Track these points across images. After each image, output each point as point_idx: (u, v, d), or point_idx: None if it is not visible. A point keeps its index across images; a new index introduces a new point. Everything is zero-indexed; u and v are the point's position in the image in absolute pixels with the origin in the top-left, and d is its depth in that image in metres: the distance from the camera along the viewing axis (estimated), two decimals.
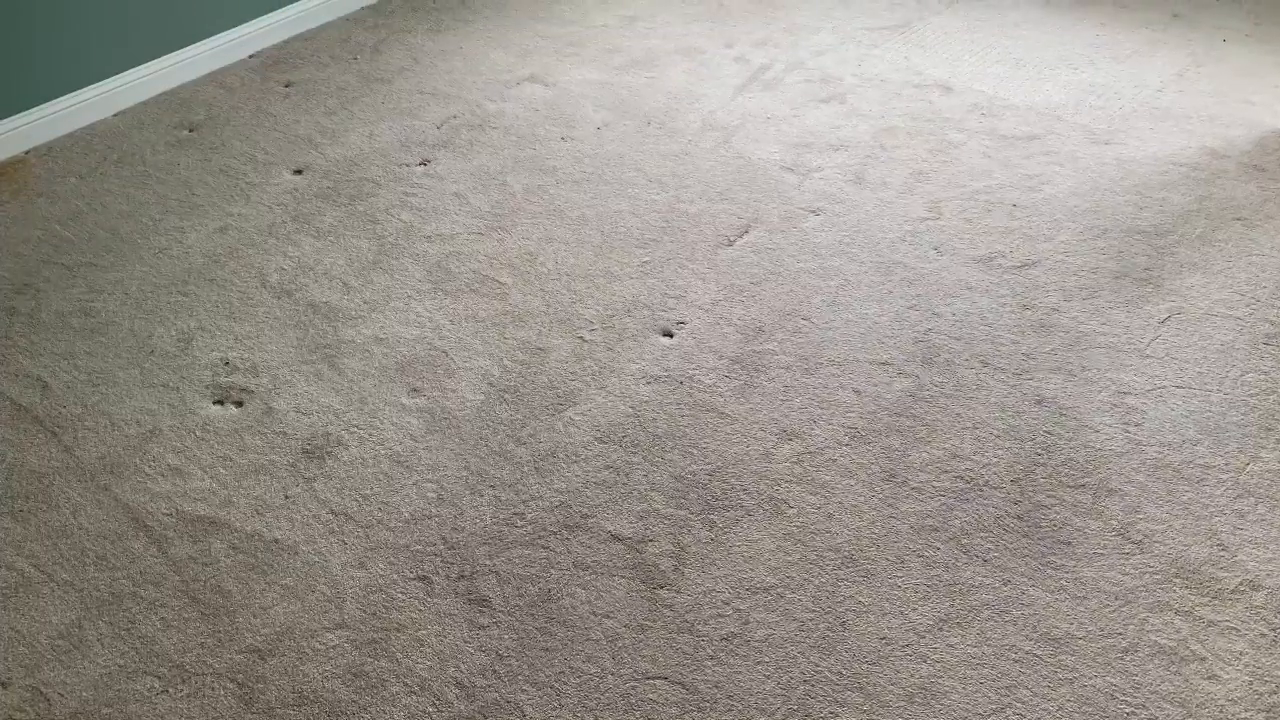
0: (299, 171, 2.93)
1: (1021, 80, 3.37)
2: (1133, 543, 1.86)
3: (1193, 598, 1.76)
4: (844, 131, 3.09)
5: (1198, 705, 1.61)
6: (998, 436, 2.07)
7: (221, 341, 2.35)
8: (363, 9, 3.94)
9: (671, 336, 2.34)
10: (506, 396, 2.19)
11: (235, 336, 2.36)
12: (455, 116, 3.20)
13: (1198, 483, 1.97)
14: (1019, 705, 1.61)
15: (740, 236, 2.64)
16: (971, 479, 1.99)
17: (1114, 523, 1.89)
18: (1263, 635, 1.70)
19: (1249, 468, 2.00)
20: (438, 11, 3.93)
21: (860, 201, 2.77)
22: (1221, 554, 1.83)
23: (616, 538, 1.89)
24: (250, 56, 3.58)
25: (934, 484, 1.98)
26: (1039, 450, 2.04)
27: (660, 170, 2.91)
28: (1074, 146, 2.98)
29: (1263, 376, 2.20)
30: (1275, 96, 3.22)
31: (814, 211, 2.74)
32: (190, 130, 3.16)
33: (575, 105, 3.26)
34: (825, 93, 3.31)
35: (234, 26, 3.52)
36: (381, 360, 2.28)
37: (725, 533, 1.89)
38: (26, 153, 3.04)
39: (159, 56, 3.32)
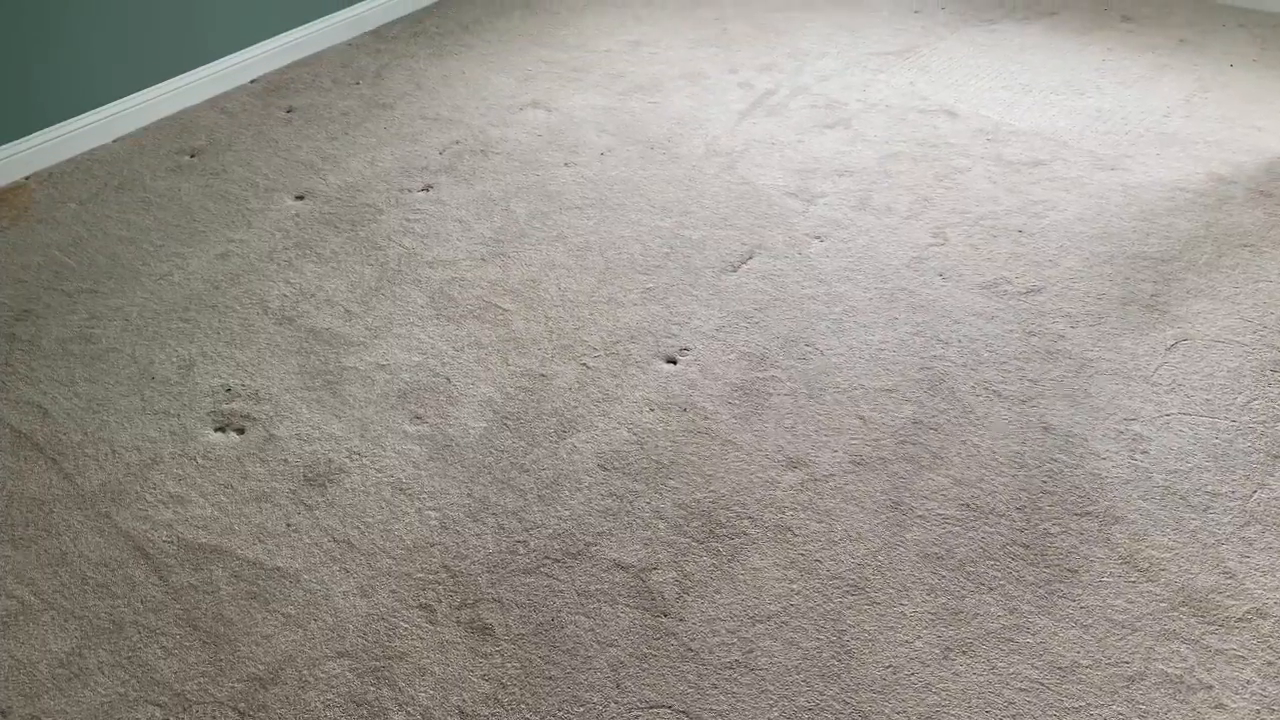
0: (301, 197, 2.99)
1: (1027, 106, 3.43)
2: (1139, 570, 1.89)
3: (1199, 626, 1.79)
4: (849, 157, 3.15)
5: None
6: (1003, 464, 2.11)
7: (223, 368, 2.39)
8: (364, 34, 4.02)
9: (675, 363, 2.38)
10: (509, 423, 2.23)
11: (237, 363, 2.40)
12: (458, 142, 3.26)
13: (1204, 510, 2.00)
14: None
15: (744, 262, 2.70)
16: (977, 506, 2.02)
17: (1120, 550, 1.93)
18: (1270, 664, 1.74)
19: (1256, 495, 2.03)
20: (440, 36, 4.01)
21: (865, 227, 2.82)
22: (1228, 582, 1.87)
23: (620, 565, 1.92)
24: (251, 81, 3.65)
25: (939, 511, 2.01)
26: (1045, 477, 2.08)
27: (664, 196, 2.97)
28: (1080, 172, 3.03)
29: (1270, 404, 2.24)
30: None
31: (818, 237, 2.79)
32: (191, 156, 3.22)
33: (578, 130, 3.32)
34: (830, 118, 3.37)
35: (234, 51, 3.59)
36: (384, 387, 2.33)
37: (729, 560, 1.93)
38: (27, 178, 3.11)
39: (160, 82, 3.39)
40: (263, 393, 2.33)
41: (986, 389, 2.29)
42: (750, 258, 2.71)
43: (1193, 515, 1.99)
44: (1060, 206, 2.88)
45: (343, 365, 2.39)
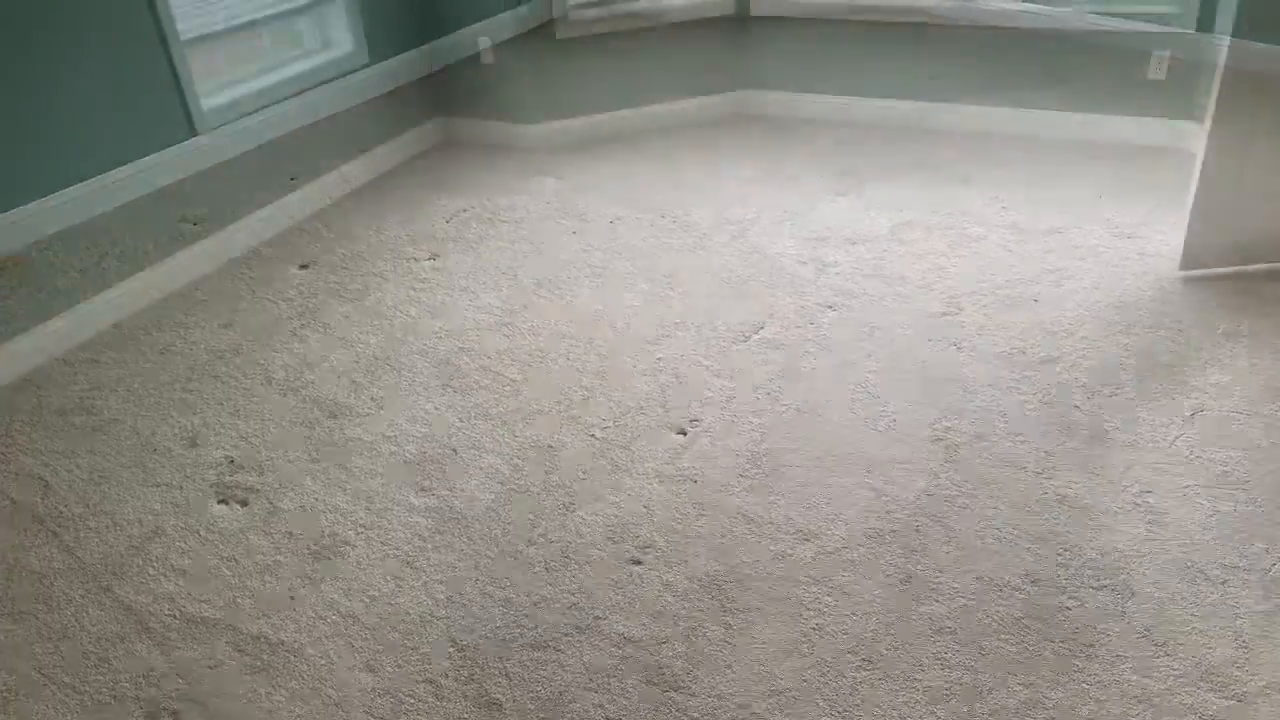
0: (305, 266, 3.15)
1: (1042, 173, 3.58)
2: (1156, 645, 1.98)
3: (1217, 701, 1.88)
4: (861, 225, 3.30)
5: None
6: (1018, 536, 2.21)
7: (226, 439, 2.52)
8: (373, 99, 4.22)
9: (685, 434, 2.50)
10: (517, 495, 2.34)
11: (240, 434, 2.53)
12: (465, 210, 3.43)
13: (1222, 584, 2.09)
14: None
15: (755, 332, 2.83)
16: (991, 580, 2.12)
17: (1137, 624, 2.02)
18: None
19: (1275, 569, 2.13)
20: (309, 253, 4.08)
21: (878, 296, 2.96)
22: (1246, 656, 1.95)
23: (629, 639, 2.02)
24: (258, 148, 3.84)
25: (953, 585, 2.11)
26: (1060, 550, 2.18)
27: (674, 264, 3.12)
28: (1097, 240, 3.18)
29: (1227, 517, 2.28)
30: (1162, 243, 3.37)
31: (830, 307, 2.92)
32: (195, 225, 3.39)
33: (587, 199, 3.49)
34: (842, 185, 3.53)
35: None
36: (389, 459, 2.45)
37: (740, 634, 2.02)
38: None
39: (158, 150, 3.53)
40: (267, 464, 2.45)
41: (1001, 460, 2.40)
42: (761, 327, 2.85)
43: (1210, 589, 2.08)
44: (1077, 275, 3.02)
45: (348, 436, 2.51)
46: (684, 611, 2.07)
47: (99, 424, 2.58)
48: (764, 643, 2.00)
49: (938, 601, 2.07)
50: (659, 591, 2.11)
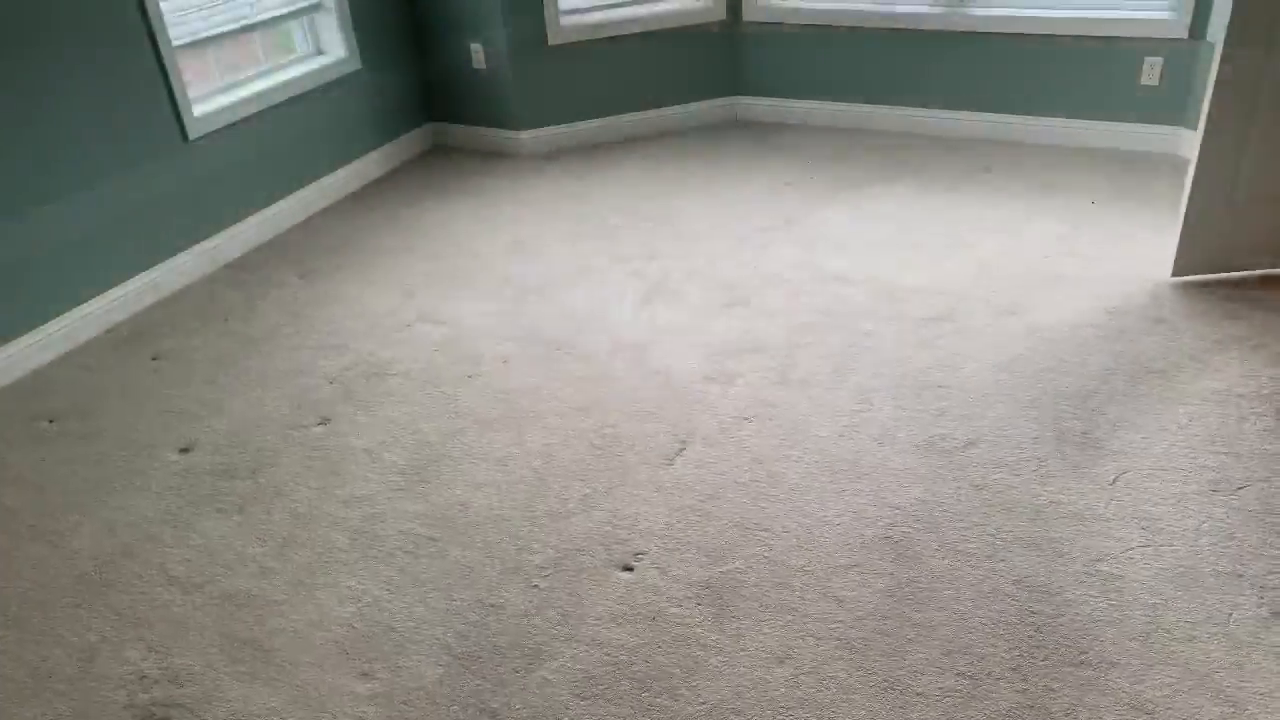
0: (186, 450, 2.96)
1: (917, 263, 3.72)
2: (1145, 713, 1.98)
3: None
4: (757, 334, 3.33)
5: None
6: (987, 624, 2.20)
7: (132, 653, 2.30)
8: (224, 266, 4.07)
9: (632, 570, 2.42)
10: (468, 664, 2.21)
11: (147, 644, 2.31)
12: (349, 368, 3.30)
13: (1190, 641, 2.13)
14: None
15: (679, 454, 2.79)
16: (973, 674, 2.10)
17: (1123, 695, 2.02)
18: None
19: (1234, 616, 2.18)
20: (306, 259, 4.10)
21: (791, 402, 2.97)
22: (1232, 710, 1.97)
23: None
24: (108, 331, 3.64)
25: (937, 685, 2.07)
26: (1031, 632, 2.18)
27: (580, 396, 3.06)
28: (984, 321, 3.29)
29: (1219, 523, 2.42)
30: (1154, 249, 3.66)
31: (746, 419, 2.92)
32: (51, 421, 3.16)
33: (475, 340, 3.42)
34: (729, 298, 3.57)
35: (86, 301, 3.58)
36: (320, 646, 2.28)
37: None
38: None
39: (3, 344, 3.34)
40: (184, 674, 2.24)
41: (951, 550, 2.41)
42: (684, 449, 2.81)
43: (1181, 647, 2.11)
44: (974, 357, 3.11)
45: (269, 628, 2.33)
46: None
47: None
48: None
49: (926, 705, 2.03)
50: None
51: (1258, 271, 3.44)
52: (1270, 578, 2.26)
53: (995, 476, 2.62)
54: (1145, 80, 4.44)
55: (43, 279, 3.43)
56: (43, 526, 2.70)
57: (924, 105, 4.96)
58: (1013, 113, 4.78)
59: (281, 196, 4.40)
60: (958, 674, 2.09)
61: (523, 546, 2.51)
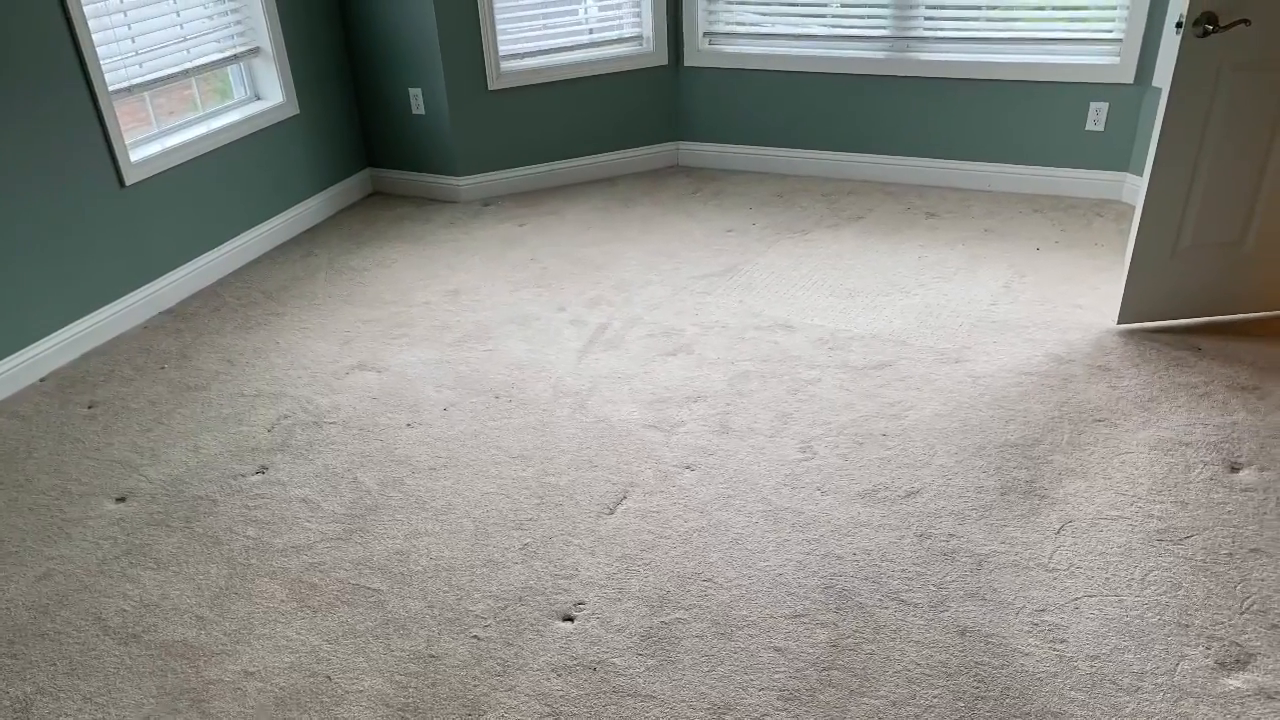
0: (122, 499, 2.95)
1: (859, 310, 3.81)
2: None
3: None
4: (698, 382, 3.39)
5: None
6: (931, 675, 2.25)
7: (67, 705, 2.28)
8: (160, 314, 4.07)
9: (573, 620, 2.44)
10: (407, 715, 2.21)
11: (83, 696, 2.30)
12: (286, 416, 3.31)
13: (1135, 691, 2.19)
14: None
15: (620, 503, 2.83)
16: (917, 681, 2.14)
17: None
18: None
19: (1180, 667, 2.24)
20: (243, 307, 4.11)
21: (732, 450, 3.02)
22: None
23: None
24: (42, 380, 3.62)
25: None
26: (975, 683, 2.23)
27: (520, 444, 3.10)
28: (926, 369, 3.37)
29: (1165, 573, 2.50)
30: (1100, 298, 3.78)
31: (688, 467, 2.96)
32: None
33: (414, 388, 3.44)
34: (670, 345, 3.63)
35: (18, 350, 3.56)
36: (257, 698, 2.27)
37: None
38: None
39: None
40: None
41: (894, 599, 2.46)
42: (624, 497, 2.85)
43: (1126, 698, 2.17)
44: (917, 405, 3.18)
45: (206, 679, 2.32)
46: None
47: None
48: None
49: None
50: None
51: (1203, 319, 3.56)
52: (1217, 628, 2.33)
53: (939, 526, 2.68)
54: (1091, 126, 4.59)
55: None
56: None
57: (868, 150, 5.09)
58: (957, 158, 4.92)
59: (219, 243, 4.41)
60: None
61: (463, 596, 2.53)
